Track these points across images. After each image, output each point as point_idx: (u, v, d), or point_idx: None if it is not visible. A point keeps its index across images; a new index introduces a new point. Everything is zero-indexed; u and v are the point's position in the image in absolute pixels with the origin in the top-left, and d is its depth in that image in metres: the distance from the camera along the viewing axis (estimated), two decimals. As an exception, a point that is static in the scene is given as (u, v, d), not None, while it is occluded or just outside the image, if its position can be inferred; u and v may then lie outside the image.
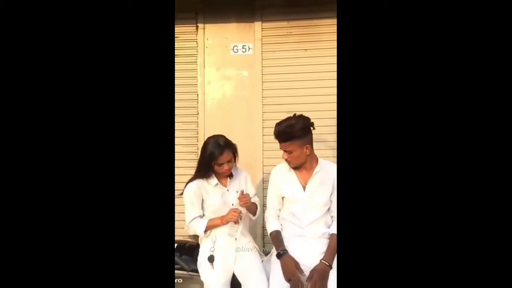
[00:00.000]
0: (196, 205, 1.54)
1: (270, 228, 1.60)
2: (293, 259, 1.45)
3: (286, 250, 1.48)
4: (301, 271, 1.42)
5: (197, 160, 1.62)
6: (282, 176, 1.59)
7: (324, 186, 1.51)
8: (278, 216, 1.63)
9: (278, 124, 1.49)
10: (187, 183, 1.57)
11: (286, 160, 1.52)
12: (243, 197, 1.50)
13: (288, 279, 1.40)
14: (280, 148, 1.51)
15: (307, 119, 1.50)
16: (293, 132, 1.44)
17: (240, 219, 1.51)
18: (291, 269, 1.41)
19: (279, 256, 1.47)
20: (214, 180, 1.56)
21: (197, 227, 1.54)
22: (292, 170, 1.57)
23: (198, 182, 1.55)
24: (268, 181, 1.67)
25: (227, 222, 1.51)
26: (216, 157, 1.50)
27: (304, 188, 1.54)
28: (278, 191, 1.60)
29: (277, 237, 1.55)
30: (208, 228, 1.54)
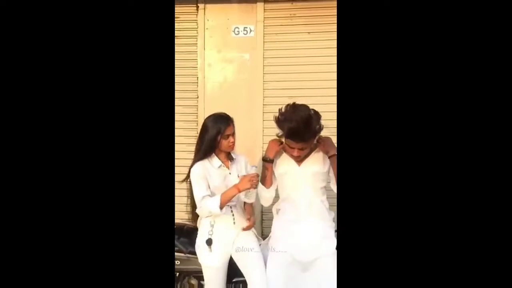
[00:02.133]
0: (204, 185, 1.50)
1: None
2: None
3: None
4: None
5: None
6: (278, 160, 1.58)
7: (320, 160, 1.50)
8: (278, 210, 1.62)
9: (291, 121, 1.31)
10: (191, 166, 1.55)
11: (296, 156, 1.43)
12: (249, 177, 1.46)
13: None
14: (290, 146, 1.41)
15: (318, 114, 1.41)
16: (315, 131, 1.36)
17: (257, 183, 1.47)
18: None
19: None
20: (217, 162, 1.54)
21: (211, 206, 1.44)
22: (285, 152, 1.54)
23: (201, 164, 1.53)
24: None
25: (244, 190, 1.46)
26: (224, 129, 1.49)
27: (299, 165, 1.52)
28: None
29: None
30: (223, 203, 1.44)
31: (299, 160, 1.50)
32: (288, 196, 1.55)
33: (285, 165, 1.54)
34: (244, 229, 1.56)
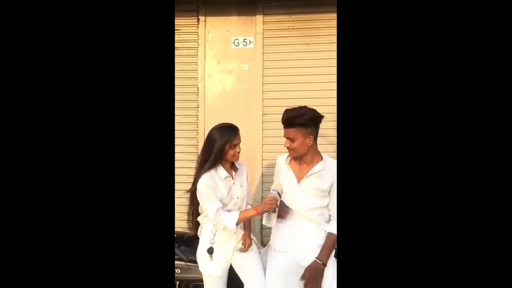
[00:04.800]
0: (215, 197, 1.50)
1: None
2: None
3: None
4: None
5: (196, 154, 1.62)
6: (281, 168, 1.61)
7: (321, 180, 1.51)
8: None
9: (287, 110, 1.49)
10: (197, 177, 1.54)
11: (288, 148, 1.50)
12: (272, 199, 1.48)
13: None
14: (283, 136, 1.51)
15: (317, 113, 1.50)
16: (300, 119, 1.44)
17: (277, 206, 1.48)
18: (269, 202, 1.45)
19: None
20: (223, 172, 1.55)
21: (227, 221, 1.46)
22: (289, 164, 1.57)
23: (209, 174, 1.51)
24: (267, 175, 1.67)
25: (263, 212, 1.48)
26: (233, 138, 1.51)
27: (298, 182, 1.54)
28: (277, 179, 1.64)
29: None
30: (240, 221, 1.48)
31: (299, 177, 1.53)
32: (288, 200, 1.56)
33: (285, 181, 1.56)
34: (240, 250, 1.56)
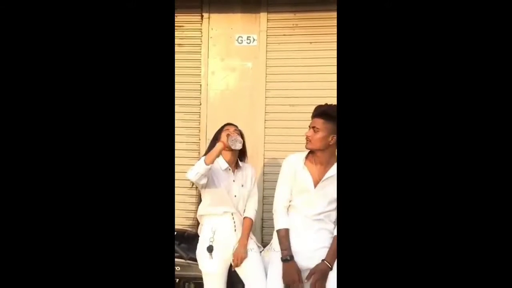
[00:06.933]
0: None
1: (280, 224, 1.50)
2: (297, 266, 1.42)
3: (292, 256, 1.44)
4: (301, 279, 1.40)
5: (198, 151, 1.63)
6: (296, 168, 1.53)
7: (334, 187, 1.45)
8: (288, 209, 1.57)
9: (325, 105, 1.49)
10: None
11: (307, 137, 1.46)
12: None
13: (287, 285, 1.39)
14: (309, 125, 1.48)
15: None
16: (333, 112, 1.38)
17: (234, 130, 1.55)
18: (293, 276, 1.39)
19: (284, 260, 1.44)
20: (224, 163, 1.57)
21: (196, 166, 1.45)
22: (305, 166, 1.51)
23: None
24: (268, 173, 1.66)
25: (226, 141, 1.46)
26: (224, 125, 1.61)
27: (315, 185, 1.50)
28: (290, 182, 1.53)
29: (285, 237, 1.47)
30: (209, 159, 1.43)
31: (316, 180, 1.49)
32: (299, 210, 1.52)
33: (300, 184, 1.51)
34: (233, 267, 1.55)
